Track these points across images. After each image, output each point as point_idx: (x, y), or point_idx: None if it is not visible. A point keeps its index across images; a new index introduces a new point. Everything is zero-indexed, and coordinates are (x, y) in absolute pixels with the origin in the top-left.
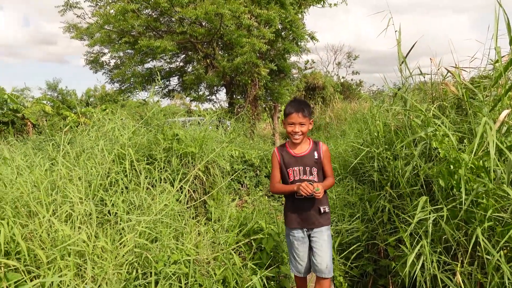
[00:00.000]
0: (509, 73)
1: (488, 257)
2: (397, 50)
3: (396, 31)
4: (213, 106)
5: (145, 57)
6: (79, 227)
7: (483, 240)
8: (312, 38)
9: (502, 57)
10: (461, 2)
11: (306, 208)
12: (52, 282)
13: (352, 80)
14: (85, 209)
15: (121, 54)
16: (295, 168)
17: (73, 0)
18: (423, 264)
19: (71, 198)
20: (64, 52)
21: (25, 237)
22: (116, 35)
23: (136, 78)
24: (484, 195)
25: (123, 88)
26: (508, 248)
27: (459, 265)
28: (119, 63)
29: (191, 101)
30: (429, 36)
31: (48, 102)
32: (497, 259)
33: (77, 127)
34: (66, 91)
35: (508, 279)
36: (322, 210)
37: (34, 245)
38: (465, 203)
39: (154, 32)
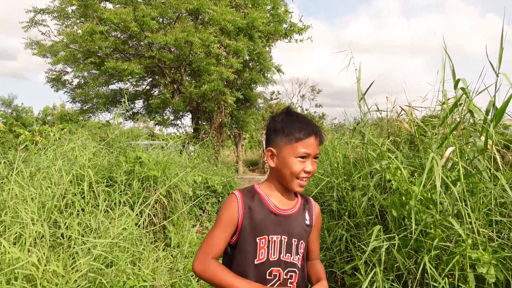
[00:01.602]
0: (454, 114)
1: (435, 284)
2: (357, 87)
3: (356, 70)
4: (177, 131)
5: (110, 79)
6: (29, 250)
7: (430, 268)
8: (278, 70)
9: (448, 99)
10: (418, 46)
11: None
12: None
13: (315, 112)
14: (36, 231)
15: (85, 74)
16: (273, 237)
17: (39, 17)
18: None
19: (22, 218)
20: (24, 67)
21: None
22: (81, 55)
23: (99, 98)
24: (432, 226)
25: (85, 108)
26: (452, 276)
27: None
28: (82, 82)
29: (155, 124)
30: (389, 76)
31: (1, 118)
32: (442, 286)
33: (33, 145)
34: (21, 108)
35: None
36: None
37: None
38: (415, 233)
39: (121, 54)
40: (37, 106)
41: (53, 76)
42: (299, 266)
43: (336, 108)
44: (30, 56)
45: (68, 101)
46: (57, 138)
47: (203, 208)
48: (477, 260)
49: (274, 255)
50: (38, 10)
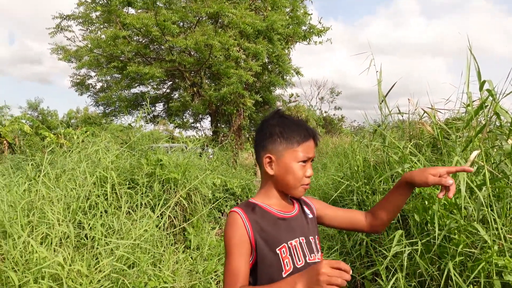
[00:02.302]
0: (479, 116)
1: None
2: (377, 89)
3: (377, 71)
4: (197, 133)
5: (132, 82)
6: (55, 250)
7: (454, 275)
8: (298, 73)
9: (473, 101)
10: (439, 46)
11: None
12: None
13: (334, 115)
14: (62, 231)
15: (108, 78)
16: (291, 242)
17: (65, 23)
18: None
19: (49, 219)
20: (49, 72)
21: None
22: (104, 60)
23: (122, 102)
24: (456, 231)
25: (107, 111)
26: (478, 284)
27: None
28: (105, 86)
29: (175, 127)
30: (409, 77)
31: (27, 121)
32: None
33: (59, 147)
34: (47, 111)
35: None
36: None
37: (7, 267)
38: (438, 238)
39: (143, 58)
40: (62, 109)
41: (77, 80)
42: None
43: (355, 111)
44: (55, 61)
45: (91, 104)
46: (81, 141)
47: (222, 211)
48: (503, 267)
49: (299, 261)
50: (64, 16)
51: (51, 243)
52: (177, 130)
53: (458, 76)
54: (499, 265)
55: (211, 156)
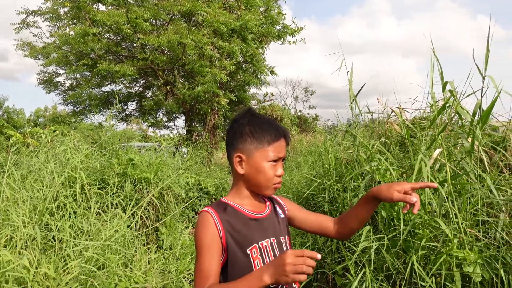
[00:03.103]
0: (443, 116)
1: (423, 283)
2: (348, 88)
3: (348, 72)
4: (171, 132)
5: (103, 80)
6: (20, 252)
7: (418, 268)
8: (272, 72)
9: (437, 101)
10: (410, 46)
11: None
12: None
13: (308, 114)
14: (28, 234)
15: (78, 76)
16: (263, 242)
17: (31, 19)
18: None
19: (13, 221)
20: (15, 68)
21: None
22: (74, 57)
23: (92, 100)
24: (420, 226)
25: (77, 110)
26: (440, 275)
27: None
28: (74, 84)
29: (148, 126)
30: (381, 76)
31: None
32: (430, 285)
33: (25, 147)
34: (13, 109)
35: None
36: None
37: None
38: (403, 233)
39: (114, 56)
40: (29, 108)
41: (45, 78)
42: None
43: (330, 110)
44: (21, 58)
45: (60, 103)
46: (49, 140)
47: (196, 210)
48: (463, 259)
49: (269, 261)
50: (30, 12)
51: (16, 246)
52: (150, 129)
53: (427, 76)
54: (459, 257)
55: (185, 156)
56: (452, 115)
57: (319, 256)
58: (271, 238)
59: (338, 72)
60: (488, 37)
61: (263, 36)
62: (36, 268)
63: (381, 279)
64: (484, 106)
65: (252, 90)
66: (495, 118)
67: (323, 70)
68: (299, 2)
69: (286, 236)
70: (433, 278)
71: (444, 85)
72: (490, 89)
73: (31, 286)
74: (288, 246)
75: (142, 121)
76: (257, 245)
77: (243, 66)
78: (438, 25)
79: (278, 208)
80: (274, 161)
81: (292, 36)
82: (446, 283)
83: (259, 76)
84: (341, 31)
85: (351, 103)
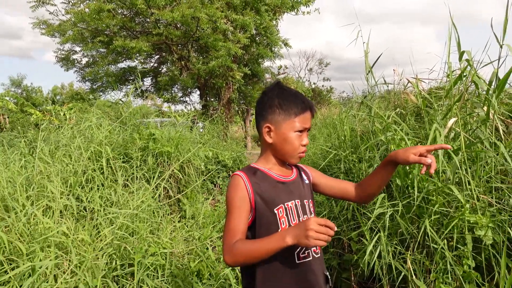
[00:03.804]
0: (460, 85)
1: (435, 246)
2: (364, 60)
3: (364, 43)
4: (185, 107)
5: (118, 57)
6: (57, 221)
7: (430, 231)
8: (286, 44)
9: (453, 71)
10: (428, 15)
11: (313, 279)
12: (32, 272)
13: (323, 86)
14: (63, 204)
15: (94, 53)
16: (288, 203)
17: None
18: (380, 254)
19: (49, 193)
20: (30, 47)
21: (2, 231)
22: (89, 34)
23: (109, 77)
24: (433, 193)
25: (95, 87)
26: (452, 239)
27: (409, 254)
28: (91, 61)
29: (164, 102)
30: (398, 46)
31: (11, 98)
32: (442, 247)
33: (47, 124)
34: (31, 88)
35: (450, 264)
36: (328, 277)
37: (13, 238)
38: (417, 199)
39: (129, 32)
40: (46, 86)
41: (62, 56)
42: None
43: (344, 81)
44: (36, 35)
45: (78, 80)
46: (68, 117)
47: (214, 182)
48: (475, 223)
49: (294, 220)
50: None
51: (53, 215)
52: (165, 104)
53: (445, 45)
54: (471, 221)
55: (201, 130)
56: (469, 84)
57: (335, 228)
58: (296, 200)
59: (354, 43)
60: (507, 5)
61: (276, 7)
62: (73, 234)
63: (395, 243)
64: (501, 75)
65: (266, 63)
66: None
67: (338, 41)
68: None
69: (310, 200)
70: (445, 241)
71: (461, 54)
72: (509, 58)
73: (72, 251)
74: (312, 209)
75: (158, 97)
76: (283, 206)
77: (257, 39)
78: None
79: (303, 174)
80: (300, 131)
81: (306, 6)
82: (458, 245)
83: (273, 48)
84: (357, 0)
85: (367, 74)
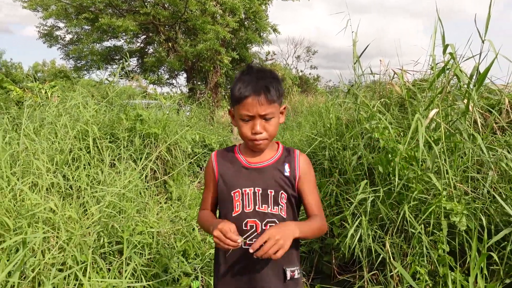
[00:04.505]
0: (442, 78)
1: (413, 230)
2: (352, 49)
3: (353, 32)
4: (171, 90)
5: (103, 35)
6: (45, 198)
7: (409, 216)
8: (274, 30)
9: (437, 64)
10: (416, 6)
11: (255, 267)
12: (22, 246)
13: (310, 74)
14: (50, 181)
15: (78, 30)
16: (246, 189)
17: None
18: (361, 238)
19: (35, 170)
20: (7, 20)
21: None
22: (73, 10)
23: (94, 56)
24: (413, 180)
25: (79, 65)
26: (429, 225)
27: (388, 238)
28: (75, 39)
29: (149, 83)
30: (385, 36)
31: None
32: (419, 232)
33: (22, 102)
34: (10, 63)
35: (426, 248)
36: (288, 275)
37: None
38: (397, 186)
39: (115, 10)
40: (26, 61)
41: (45, 31)
42: (282, 217)
43: (331, 70)
44: (13, 8)
45: (61, 57)
46: (50, 95)
47: (201, 166)
48: (451, 210)
49: (249, 206)
50: None
51: (39, 191)
52: (151, 86)
53: (431, 38)
54: (447, 208)
55: (187, 114)
56: (451, 77)
57: (239, 242)
58: (256, 188)
59: (343, 32)
60: (491, 3)
61: None
62: (60, 212)
63: (375, 228)
64: (482, 70)
65: (254, 49)
66: (492, 82)
67: (327, 29)
68: None
69: (281, 192)
70: (423, 226)
71: (445, 47)
72: (490, 53)
73: (58, 227)
74: (280, 200)
75: (143, 79)
76: (240, 190)
77: (246, 23)
78: None
79: (286, 166)
80: (245, 120)
81: None
82: (434, 231)
83: (261, 34)
84: None
85: (354, 64)
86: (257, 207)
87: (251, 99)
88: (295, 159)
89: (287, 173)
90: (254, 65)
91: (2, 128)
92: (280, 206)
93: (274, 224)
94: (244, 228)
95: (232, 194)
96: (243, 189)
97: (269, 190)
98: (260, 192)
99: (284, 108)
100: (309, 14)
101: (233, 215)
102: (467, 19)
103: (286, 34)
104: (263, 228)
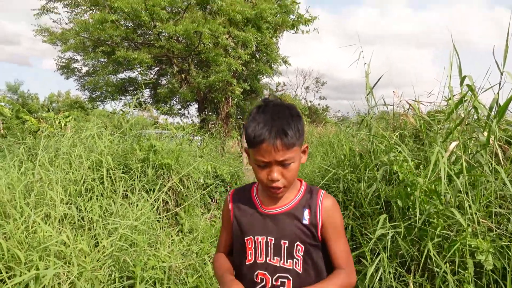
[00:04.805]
0: (459, 109)
1: (437, 269)
2: (365, 81)
3: (365, 64)
4: (182, 120)
5: (118, 67)
6: (57, 229)
7: (433, 254)
8: (285, 62)
9: (454, 95)
10: (424, 37)
11: None
12: (35, 281)
13: (319, 104)
14: (62, 213)
15: (95, 62)
16: (258, 238)
17: (51, 5)
18: (380, 277)
19: (49, 200)
20: (28, 53)
21: (1, 238)
22: (91, 43)
23: (109, 87)
24: (435, 215)
25: (94, 96)
26: (453, 263)
27: (411, 277)
28: (91, 71)
29: (161, 113)
30: (394, 67)
31: (7, 104)
32: (444, 271)
33: (36, 132)
34: (27, 94)
35: None
36: None
37: (12, 245)
38: (418, 222)
39: (130, 43)
40: (43, 93)
41: (62, 64)
42: (297, 272)
43: (340, 101)
44: (34, 42)
45: (77, 88)
46: (63, 125)
47: (212, 197)
48: (476, 248)
49: (260, 257)
50: None
51: (52, 223)
52: (161, 116)
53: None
54: (472, 246)
55: (199, 144)
56: (469, 109)
57: None
58: (269, 237)
59: (352, 63)
60: (508, 33)
61: (277, 26)
62: (72, 244)
63: (395, 265)
64: (501, 101)
65: (265, 80)
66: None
67: (335, 61)
68: None
69: (296, 244)
70: (447, 265)
71: (463, 79)
72: (508, 84)
73: (69, 261)
74: (295, 252)
75: (155, 109)
76: (252, 238)
77: (257, 55)
78: (453, 16)
79: (306, 212)
80: (261, 165)
81: (306, 26)
82: (459, 270)
83: (272, 65)
84: (354, 21)
85: (367, 95)
86: (268, 258)
87: (266, 144)
88: (317, 203)
89: (306, 221)
90: (271, 99)
91: (18, 158)
92: (295, 260)
93: (285, 280)
94: (255, 280)
95: (245, 241)
96: (255, 237)
97: (282, 241)
98: (273, 242)
99: (306, 147)
100: (317, 46)
101: (246, 263)
102: (475, 50)
103: (295, 65)
104: (274, 283)
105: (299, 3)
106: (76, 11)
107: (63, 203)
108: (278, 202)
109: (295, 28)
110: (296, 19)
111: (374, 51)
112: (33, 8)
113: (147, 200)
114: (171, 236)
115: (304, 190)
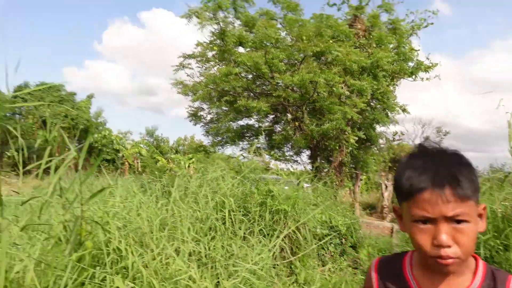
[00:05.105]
0: None
1: None
2: (508, 132)
3: (507, 112)
4: (292, 166)
5: (238, 115)
6: (186, 264)
7: None
8: (404, 110)
9: None
10: None
11: None
12: None
13: None
14: (192, 249)
15: (218, 110)
16: None
17: (186, 61)
18: None
19: (179, 235)
20: (162, 103)
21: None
22: (216, 94)
23: (229, 133)
24: None
25: (216, 140)
26: None
27: None
28: (214, 118)
29: (274, 159)
30: None
31: (145, 146)
32: None
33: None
34: (161, 138)
35: None
36: None
37: (150, 274)
38: None
39: (250, 93)
40: (172, 136)
41: (192, 112)
42: None
43: (465, 153)
44: (169, 93)
45: (202, 134)
46: (187, 166)
47: (326, 249)
48: None
49: None
50: (186, 56)
51: (182, 258)
52: (272, 162)
53: None
54: None
55: (309, 192)
56: None
57: None
58: None
59: (475, 111)
60: None
61: (394, 73)
62: (199, 280)
63: None
64: None
65: (380, 129)
66: None
67: (455, 108)
68: (431, 36)
69: None
70: None
71: None
72: None
73: None
74: None
75: (267, 154)
76: None
77: (372, 103)
78: None
79: None
80: (422, 221)
81: (426, 73)
82: None
83: (389, 114)
84: (479, 67)
85: (511, 148)
86: None
87: (430, 192)
88: None
89: None
90: (429, 144)
91: (155, 194)
92: None
93: None
94: None
95: None
96: None
97: None
98: None
99: (484, 209)
100: (434, 92)
101: None
102: None
103: (412, 113)
104: None
105: (418, 50)
106: (206, 66)
107: (191, 239)
108: (447, 286)
109: (414, 76)
110: (415, 66)
111: (507, 98)
112: (172, 64)
113: (265, 244)
114: (288, 286)
115: (483, 272)
